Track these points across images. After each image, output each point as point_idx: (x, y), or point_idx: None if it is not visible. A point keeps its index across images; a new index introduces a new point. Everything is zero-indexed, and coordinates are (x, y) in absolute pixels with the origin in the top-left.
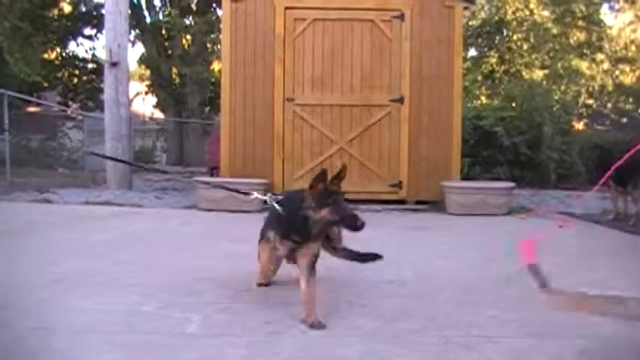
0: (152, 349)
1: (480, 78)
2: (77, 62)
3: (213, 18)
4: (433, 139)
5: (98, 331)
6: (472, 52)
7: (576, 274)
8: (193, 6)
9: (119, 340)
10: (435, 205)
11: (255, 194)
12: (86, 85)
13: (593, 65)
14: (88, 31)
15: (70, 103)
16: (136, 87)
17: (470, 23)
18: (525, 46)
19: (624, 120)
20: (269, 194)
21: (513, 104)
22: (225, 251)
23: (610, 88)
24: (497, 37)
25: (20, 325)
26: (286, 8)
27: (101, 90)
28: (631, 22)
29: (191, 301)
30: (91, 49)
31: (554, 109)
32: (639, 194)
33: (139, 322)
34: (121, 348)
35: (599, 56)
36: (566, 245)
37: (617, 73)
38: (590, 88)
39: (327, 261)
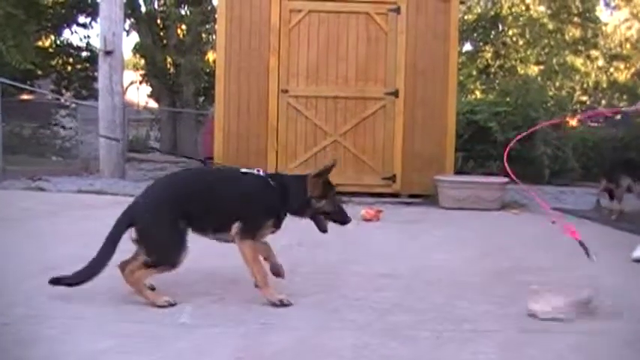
0: (145, 338)
1: (474, 73)
2: (71, 50)
3: (209, 8)
4: (427, 132)
5: (90, 320)
6: (467, 46)
7: (574, 270)
8: None
9: (111, 329)
10: (428, 198)
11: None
12: (80, 73)
13: (588, 62)
14: (82, 19)
15: (64, 91)
16: (131, 76)
17: (465, 17)
18: (521, 42)
19: (617, 117)
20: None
21: (508, 99)
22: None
23: (604, 85)
24: (493, 32)
25: (13, 313)
26: None
27: (95, 78)
28: (626, 20)
29: (182, 291)
30: (85, 38)
31: (549, 104)
32: (622, 192)
33: (131, 312)
34: (114, 336)
35: (594, 53)
36: (561, 241)
37: (611, 70)
38: (585, 85)
39: (320, 256)
